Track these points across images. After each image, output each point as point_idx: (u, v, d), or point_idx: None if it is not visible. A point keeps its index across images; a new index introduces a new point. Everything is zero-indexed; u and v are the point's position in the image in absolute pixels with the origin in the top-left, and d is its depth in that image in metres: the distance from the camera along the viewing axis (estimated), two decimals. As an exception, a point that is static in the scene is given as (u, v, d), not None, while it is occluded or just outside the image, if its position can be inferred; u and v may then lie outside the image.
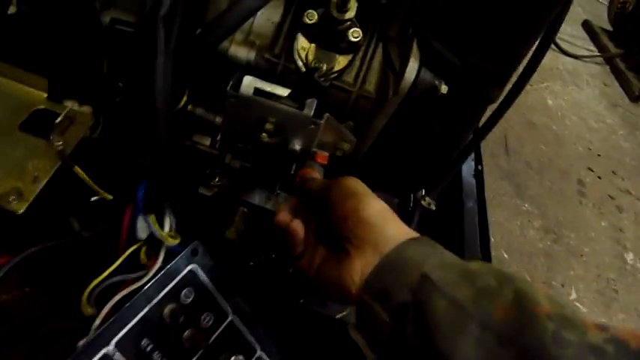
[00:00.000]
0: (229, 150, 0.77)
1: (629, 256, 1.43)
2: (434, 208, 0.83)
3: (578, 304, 1.24)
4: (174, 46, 0.46)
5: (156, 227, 0.52)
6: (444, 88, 0.62)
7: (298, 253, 0.56)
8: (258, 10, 0.51)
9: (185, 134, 0.78)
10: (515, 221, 1.38)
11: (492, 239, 1.33)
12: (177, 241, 0.55)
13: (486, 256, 0.87)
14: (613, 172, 1.74)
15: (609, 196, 1.63)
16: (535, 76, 1.92)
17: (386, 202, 0.95)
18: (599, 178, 1.69)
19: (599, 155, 1.78)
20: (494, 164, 1.52)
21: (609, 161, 1.77)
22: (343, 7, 0.54)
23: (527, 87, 1.96)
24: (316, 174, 0.66)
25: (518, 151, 1.62)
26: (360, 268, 0.47)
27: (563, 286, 1.28)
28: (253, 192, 0.83)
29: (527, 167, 1.58)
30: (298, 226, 0.56)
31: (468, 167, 1.05)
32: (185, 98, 0.74)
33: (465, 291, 0.40)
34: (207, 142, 0.79)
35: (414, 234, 0.47)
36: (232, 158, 0.77)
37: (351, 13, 0.56)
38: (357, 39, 0.61)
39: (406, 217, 0.93)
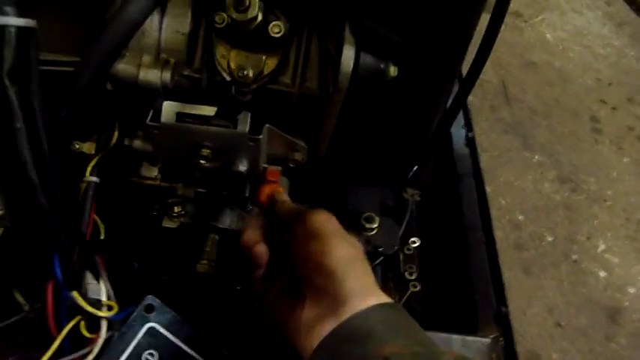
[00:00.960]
0: (178, 179, 0.69)
1: (659, 190, 1.32)
2: (418, 198, 0.75)
3: (608, 256, 1.15)
4: (40, 102, 0.38)
5: (82, 303, 0.46)
6: (392, 71, 0.53)
7: (257, 277, 0.53)
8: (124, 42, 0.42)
9: (131, 170, 0.71)
10: (527, 176, 1.28)
11: (503, 202, 1.23)
12: (113, 312, 0.48)
13: (489, 235, 0.78)
14: (628, 99, 1.60)
15: (628, 127, 1.50)
16: (530, 11, 1.78)
17: (377, 195, 0.87)
18: (614, 109, 1.55)
19: (610, 84, 1.63)
20: (495, 118, 1.41)
21: (623, 88, 1.63)
22: (240, 7, 0.45)
23: (522, 24, 1.82)
24: (283, 194, 0.60)
25: (520, 98, 1.50)
26: (311, 321, 0.41)
27: (589, 238, 1.18)
28: (222, 214, 0.76)
29: (533, 114, 1.46)
30: (262, 250, 0.53)
31: (459, 136, 0.96)
32: (116, 134, 0.67)
33: None
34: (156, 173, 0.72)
35: (382, 295, 0.42)
36: (184, 187, 0.70)
37: (253, 11, 0.46)
38: (279, 34, 0.52)
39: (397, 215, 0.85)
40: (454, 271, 0.80)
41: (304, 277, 0.44)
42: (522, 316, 1.01)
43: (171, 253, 0.75)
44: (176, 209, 0.73)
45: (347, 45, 0.50)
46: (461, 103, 0.62)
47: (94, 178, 0.65)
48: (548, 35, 1.77)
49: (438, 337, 0.67)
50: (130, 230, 0.74)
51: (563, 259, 1.12)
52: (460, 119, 0.98)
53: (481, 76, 1.55)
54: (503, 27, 1.76)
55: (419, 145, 0.66)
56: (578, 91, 1.58)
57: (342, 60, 0.50)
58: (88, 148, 0.69)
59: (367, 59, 0.51)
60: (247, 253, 0.53)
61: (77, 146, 0.69)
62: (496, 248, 0.75)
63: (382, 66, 0.52)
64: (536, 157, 1.33)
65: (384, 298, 0.42)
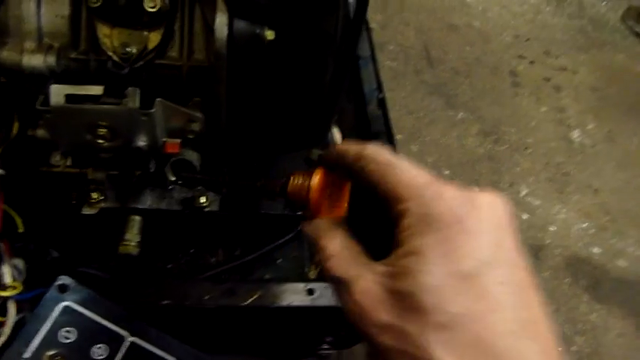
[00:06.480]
0: (88, 164, 0.70)
1: (575, 134, 1.40)
2: (324, 158, 0.78)
3: (530, 199, 1.22)
4: None
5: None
6: (269, 34, 0.55)
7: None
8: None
9: (40, 160, 0.72)
10: (452, 133, 1.34)
11: (430, 159, 1.28)
12: (16, 292, 0.49)
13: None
14: (545, 52, 1.68)
15: (544, 78, 1.58)
16: (448, -25, 1.80)
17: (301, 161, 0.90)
18: (532, 63, 1.63)
19: (527, 40, 1.71)
20: (419, 81, 1.46)
21: (540, 43, 1.71)
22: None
23: (442, -11, 1.85)
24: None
25: (442, 60, 1.55)
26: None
27: (511, 185, 1.24)
28: (143, 195, 0.78)
29: (455, 74, 1.51)
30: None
31: (372, 98, 0.99)
32: (17, 125, 0.68)
33: None
34: (69, 161, 0.73)
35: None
36: (95, 171, 0.71)
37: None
38: (155, 8, 0.54)
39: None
40: (374, 226, 0.84)
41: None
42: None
43: (93, 238, 0.76)
44: (94, 195, 0.74)
45: (219, 12, 0.53)
46: (349, 56, 0.65)
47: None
48: (468, -2, 1.83)
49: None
50: (49, 220, 0.74)
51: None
52: (373, 82, 1.02)
53: (403, 42, 1.60)
54: (424, -7, 1.77)
55: (316, 103, 0.68)
56: (497, 48, 1.64)
57: (216, 27, 0.52)
58: (-9, 143, 0.69)
59: (240, 25, 0.53)
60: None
61: (-20, 143, 0.69)
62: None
63: (257, 30, 0.54)
64: (460, 114, 1.39)
65: None
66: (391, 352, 0.27)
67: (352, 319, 0.30)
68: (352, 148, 0.34)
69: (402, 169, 0.31)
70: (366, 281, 0.29)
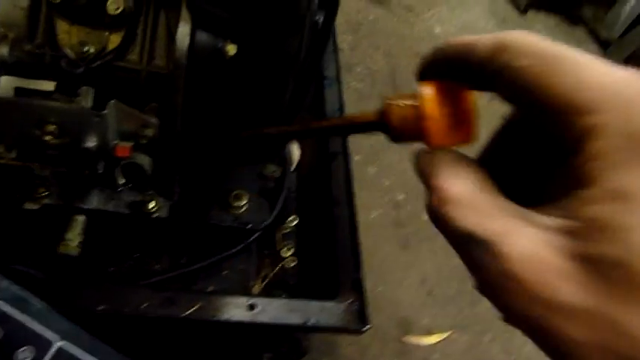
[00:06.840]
0: (34, 158, 0.68)
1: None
2: (278, 175, 0.79)
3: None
4: None
5: None
6: (231, 49, 0.56)
7: None
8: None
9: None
10: (410, 158, 1.36)
11: (387, 182, 1.31)
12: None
13: (351, 208, 0.83)
14: (506, 88, 1.75)
15: (504, 114, 1.64)
16: (421, 6, 1.87)
17: (255, 175, 0.89)
18: (493, 98, 1.68)
19: (490, 75, 1.77)
20: (383, 105, 1.48)
21: (501, 79, 1.77)
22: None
23: (413, 18, 1.91)
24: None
25: (408, 86, 1.59)
26: None
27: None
28: (90, 195, 0.76)
29: (419, 101, 1.55)
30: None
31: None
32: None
33: None
34: (14, 153, 0.70)
35: None
36: (41, 167, 0.69)
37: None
38: (118, 11, 0.53)
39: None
40: (324, 243, 0.85)
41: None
42: (399, 286, 1.09)
43: (32, 235, 0.74)
44: (39, 190, 0.72)
45: (182, 22, 0.53)
46: (310, 76, 0.66)
47: (-63, 159, 0.63)
48: (437, 29, 1.88)
49: (298, 304, 0.71)
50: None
51: (437, 233, 1.21)
52: (336, 102, 1.03)
53: (371, 65, 1.62)
54: (395, 20, 1.85)
55: (274, 120, 0.69)
56: (461, 80, 1.69)
57: (177, 37, 0.52)
58: None
59: (202, 37, 0.53)
60: None
61: None
62: (356, 220, 0.81)
63: (219, 44, 0.55)
64: (419, 141, 1.42)
65: None
66: (585, 349, 0.17)
67: (497, 294, 0.20)
68: (481, 41, 0.23)
69: (579, 62, 0.20)
70: (527, 240, 0.19)
